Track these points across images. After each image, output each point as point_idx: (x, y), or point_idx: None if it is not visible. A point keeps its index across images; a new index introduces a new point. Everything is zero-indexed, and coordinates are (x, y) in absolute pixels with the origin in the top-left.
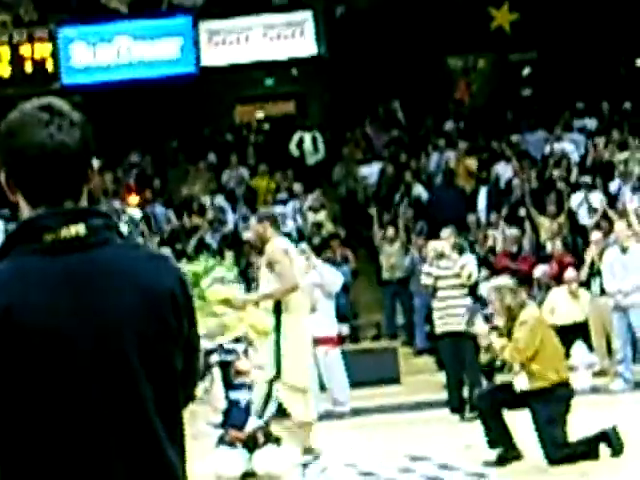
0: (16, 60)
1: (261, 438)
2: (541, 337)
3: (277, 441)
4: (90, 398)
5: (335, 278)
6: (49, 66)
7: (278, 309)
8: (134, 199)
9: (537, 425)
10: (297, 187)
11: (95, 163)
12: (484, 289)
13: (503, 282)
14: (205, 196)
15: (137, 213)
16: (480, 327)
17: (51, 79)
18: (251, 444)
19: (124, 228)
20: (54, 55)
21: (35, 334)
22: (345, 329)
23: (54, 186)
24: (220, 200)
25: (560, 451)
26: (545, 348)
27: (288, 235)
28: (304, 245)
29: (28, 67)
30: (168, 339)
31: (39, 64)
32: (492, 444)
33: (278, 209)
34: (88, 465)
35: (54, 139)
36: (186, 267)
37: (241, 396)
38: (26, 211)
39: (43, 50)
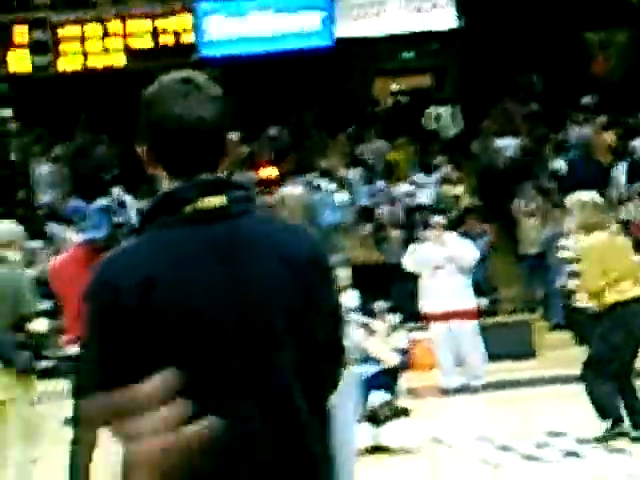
0: (156, 33)
1: (386, 412)
2: (600, 262)
3: (405, 414)
4: (233, 369)
5: (468, 252)
6: (188, 39)
7: None
8: (271, 171)
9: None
10: (438, 160)
11: (233, 136)
12: None
13: (589, 196)
14: (342, 169)
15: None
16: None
17: (189, 52)
18: (376, 418)
19: None
20: (193, 28)
21: (179, 304)
22: (484, 302)
23: (192, 159)
24: (353, 173)
25: (587, 370)
26: (611, 272)
27: None
28: (439, 218)
29: (167, 40)
30: (313, 309)
31: (178, 37)
32: (636, 426)
33: (415, 182)
34: (234, 444)
35: (192, 112)
36: None
37: (362, 370)
38: (165, 184)
39: (182, 23)
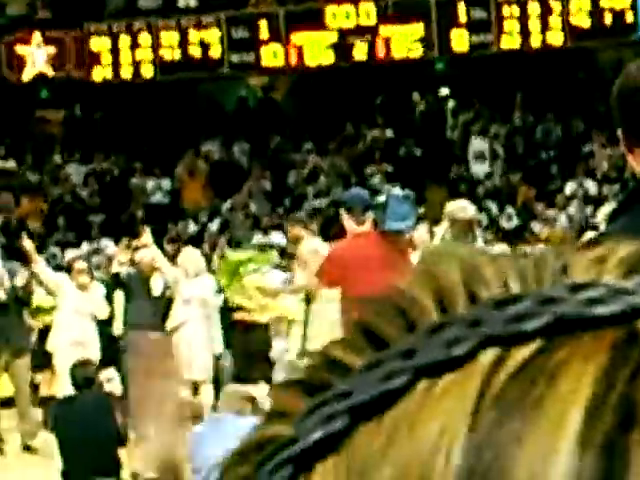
0: (596, 11)
1: None
2: None
3: None
4: None
5: None
6: (628, 17)
7: (307, 299)
8: None
9: None
10: None
11: None
12: None
13: None
14: None
15: None
16: None
17: (629, 30)
18: None
19: None
20: (633, 6)
21: None
22: None
23: None
24: None
25: None
26: None
27: None
28: None
29: (607, 19)
30: None
31: (618, 15)
32: None
33: None
34: None
35: None
36: (230, 255)
37: None
38: None
39: (623, 1)
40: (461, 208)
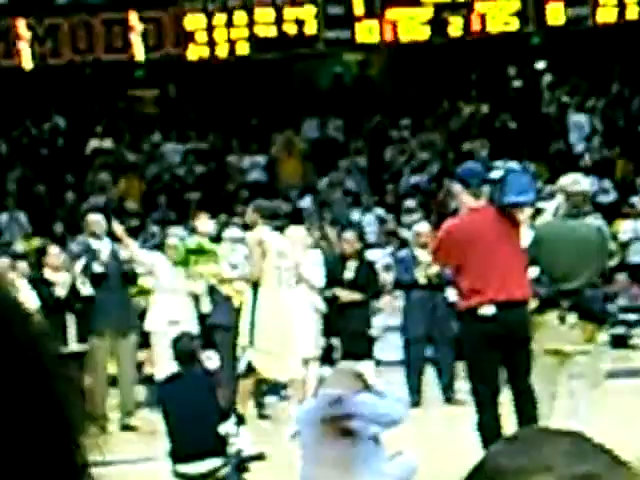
0: None
1: None
2: None
3: None
4: None
5: None
6: None
7: (255, 284)
8: None
9: None
10: None
11: None
12: None
13: None
14: None
15: None
16: None
17: None
18: None
19: None
20: None
21: None
22: None
23: None
24: None
25: None
26: None
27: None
28: None
29: None
30: None
31: None
32: None
33: None
34: None
35: None
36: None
37: None
38: None
39: None
40: (574, 181)
